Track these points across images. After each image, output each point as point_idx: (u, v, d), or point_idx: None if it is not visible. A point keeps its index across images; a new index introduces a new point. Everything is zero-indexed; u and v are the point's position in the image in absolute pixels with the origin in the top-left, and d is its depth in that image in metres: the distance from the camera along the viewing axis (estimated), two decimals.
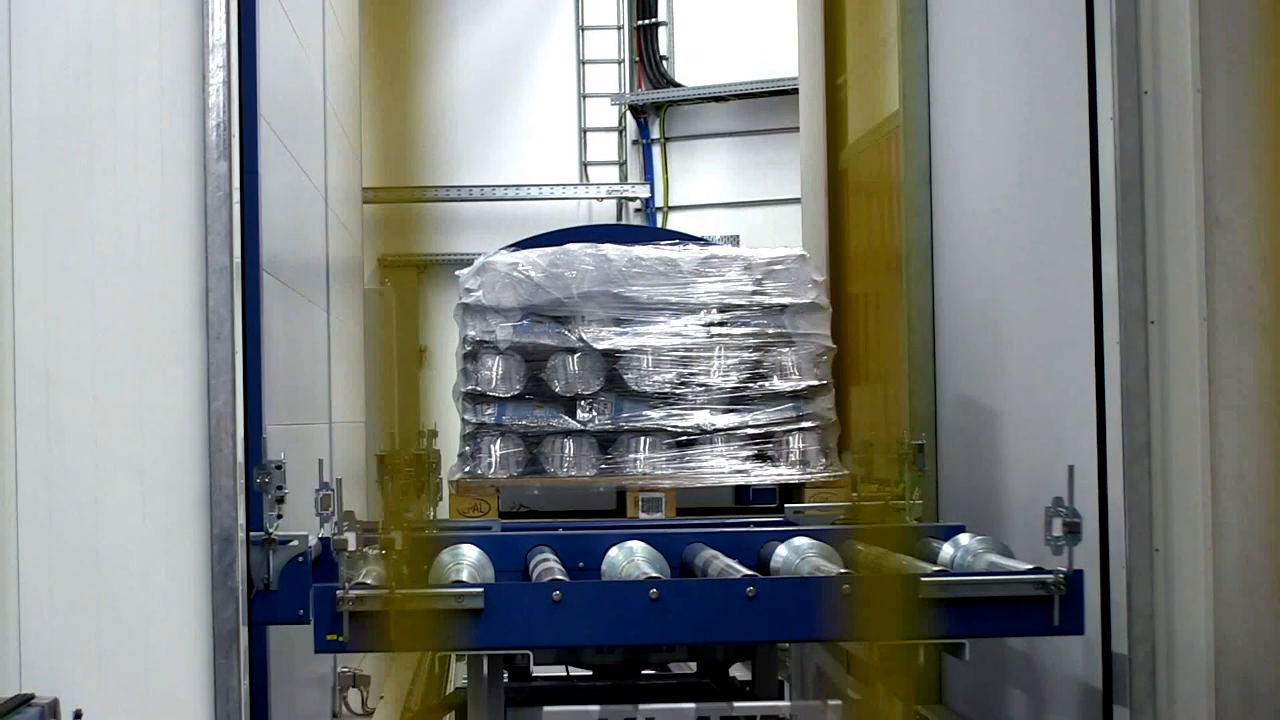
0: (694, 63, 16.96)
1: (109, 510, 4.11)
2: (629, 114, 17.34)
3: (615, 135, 17.41)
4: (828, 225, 8.60)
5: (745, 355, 6.02)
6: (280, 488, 4.89)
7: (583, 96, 17.39)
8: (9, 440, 3.32)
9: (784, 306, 6.09)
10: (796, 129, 9.75)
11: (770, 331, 6.06)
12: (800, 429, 6.03)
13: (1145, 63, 4.72)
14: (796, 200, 9.87)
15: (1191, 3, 4.57)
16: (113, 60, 4.26)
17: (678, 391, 5.94)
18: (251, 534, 4.76)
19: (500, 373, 5.92)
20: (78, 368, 3.90)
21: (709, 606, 4.47)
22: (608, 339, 5.92)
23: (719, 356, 5.98)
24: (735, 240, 15.13)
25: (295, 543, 4.95)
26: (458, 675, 7.37)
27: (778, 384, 6.03)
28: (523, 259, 6.00)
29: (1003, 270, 6.14)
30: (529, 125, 17.37)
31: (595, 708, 4.96)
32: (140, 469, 4.27)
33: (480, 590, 4.40)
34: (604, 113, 17.42)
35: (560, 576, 4.62)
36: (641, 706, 4.95)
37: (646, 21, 17.26)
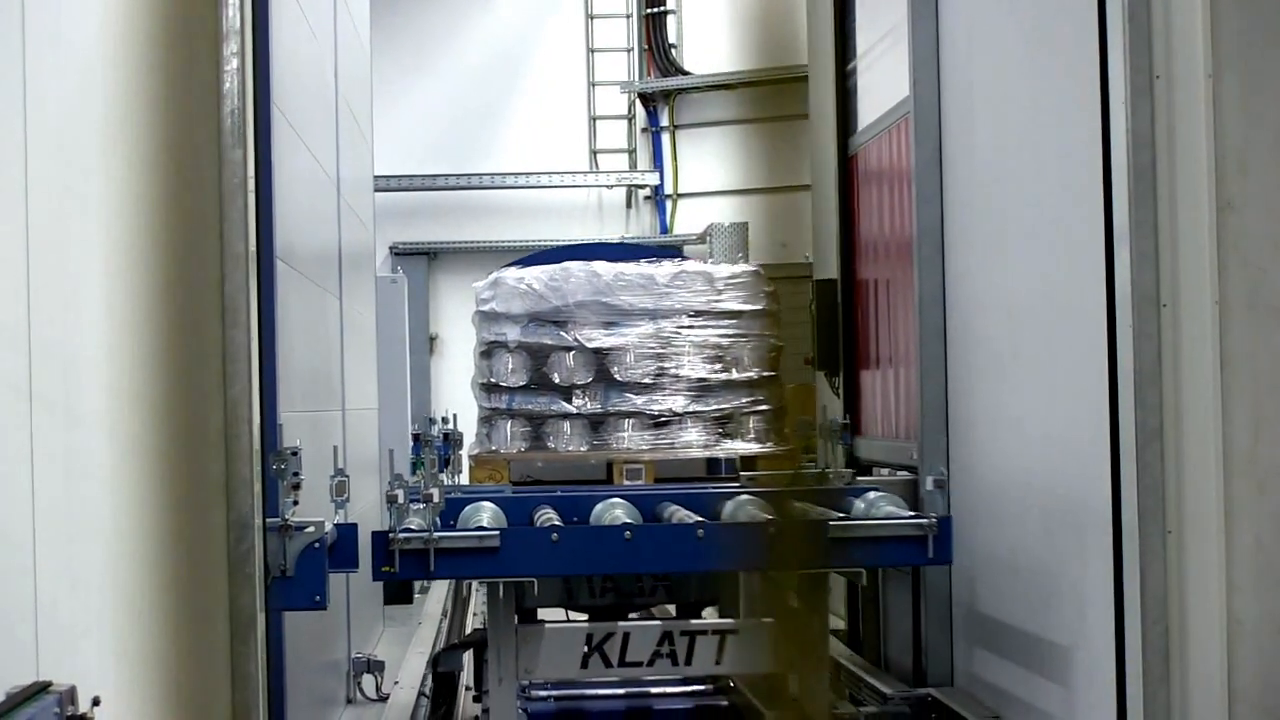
0: (702, 51, 16.95)
1: (126, 497, 4.10)
2: (638, 102, 17.34)
3: (625, 123, 17.41)
4: (839, 212, 8.61)
5: (709, 352, 7.14)
6: (296, 474, 4.90)
7: (592, 84, 17.39)
8: (25, 429, 3.32)
9: (740, 312, 7.22)
10: (805, 116, 9.75)
11: (730, 333, 7.19)
12: (755, 411, 7.18)
13: (1157, 47, 4.73)
14: (805, 187, 9.88)
15: None
16: (129, 46, 4.24)
17: (655, 381, 7.07)
18: (268, 520, 4.76)
19: (510, 367, 7.16)
20: (94, 355, 3.89)
21: (669, 544, 5.74)
22: (598, 339, 7.08)
23: (688, 353, 7.10)
24: (745, 226, 15.15)
25: (311, 529, 4.96)
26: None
27: (735, 375, 7.16)
28: (528, 275, 7.19)
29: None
30: (539, 113, 17.36)
31: (585, 624, 6.20)
32: (156, 456, 4.25)
33: (496, 533, 5.62)
34: (613, 101, 17.41)
35: (558, 524, 5.83)
36: (620, 623, 6.20)
37: (655, 10, 17.25)
